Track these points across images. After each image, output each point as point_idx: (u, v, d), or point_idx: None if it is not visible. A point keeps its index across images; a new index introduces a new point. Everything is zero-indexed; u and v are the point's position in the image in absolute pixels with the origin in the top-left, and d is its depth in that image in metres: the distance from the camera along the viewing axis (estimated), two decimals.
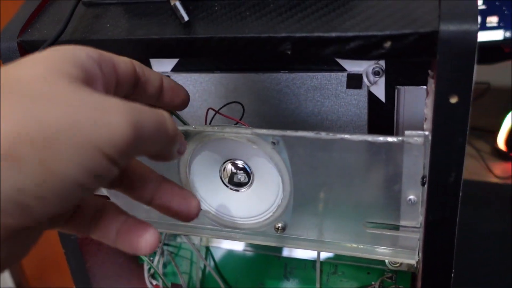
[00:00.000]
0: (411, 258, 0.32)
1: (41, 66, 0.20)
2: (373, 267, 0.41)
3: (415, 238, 0.32)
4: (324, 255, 0.42)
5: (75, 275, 0.43)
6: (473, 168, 0.78)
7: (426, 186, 0.29)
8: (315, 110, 0.38)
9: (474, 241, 0.60)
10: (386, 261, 0.39)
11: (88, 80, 0.21)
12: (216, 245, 0.46)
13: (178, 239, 0.47)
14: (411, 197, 0.30)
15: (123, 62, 0.25)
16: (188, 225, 0.37)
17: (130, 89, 0.26)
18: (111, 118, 0.19)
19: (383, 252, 0.33)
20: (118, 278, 0.47)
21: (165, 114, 0.23)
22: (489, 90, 0.91)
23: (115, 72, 0.24)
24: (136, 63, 0.26)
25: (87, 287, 0.43)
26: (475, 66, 0.25)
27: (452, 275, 0.30)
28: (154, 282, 0.48)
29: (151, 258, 0.47)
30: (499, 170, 0.78)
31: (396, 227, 0.33)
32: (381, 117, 0.37)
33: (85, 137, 0.18)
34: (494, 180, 0.75)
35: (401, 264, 0.39)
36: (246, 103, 0.39)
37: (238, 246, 0.45)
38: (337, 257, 0.42)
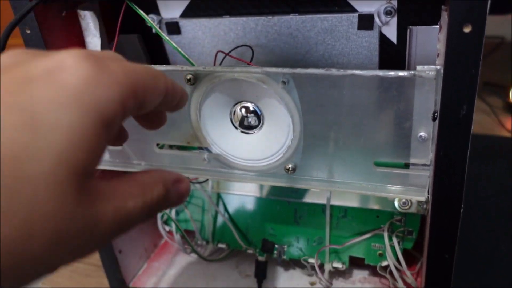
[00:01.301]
0: (421, 195, 0.32)
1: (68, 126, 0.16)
2: (382, 211, 0.42)
3: (425, 175, 0.32)
4: (333, 199, 0.43)
5: None
6: (485, 123, 0.78)
7: (437, 121, 0.28)
8: (326, 53, 0.38)
9: (485, 194, 0.60)
10: (395, 203, 0.40)
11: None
12: (227, 191, 0.47)
13: (190, 186, 0.48)
14: (422, 133, 0.30)
15: (157, 96, 0.22)
16: (200, 169, 0.38)
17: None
18: None
19: (392, 190, 0.33)
20: None
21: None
22: (503, 45, 0.89)
23: (140, 107, 0.21)
24: (169, 90, 0.23)
25: None
26: None
27: (462, 210, 0.30)
28: (167, 229, 0.49)
29: None
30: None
31: (406, 165, 0.33)
32: (393, 59, 0.36)
33: None
34: (506, 134, 0.75)
35: (410, 206, 0.39)
36: (256, 48, 0.39)
37: (248, 192, 0.46)
38: (346, 201, 0.42)
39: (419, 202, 0.39)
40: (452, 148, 0.29)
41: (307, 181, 0.35)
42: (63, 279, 0.55)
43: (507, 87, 0.81)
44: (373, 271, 0.47)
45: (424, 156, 0.31)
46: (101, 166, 0.41)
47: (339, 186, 0.34)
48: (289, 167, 0.35)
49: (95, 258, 0.58)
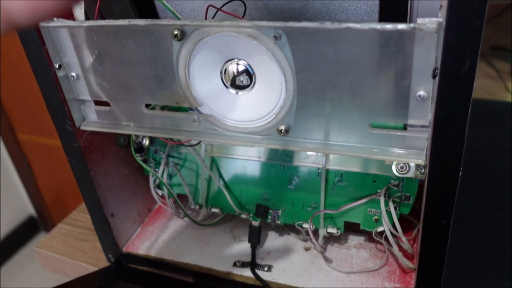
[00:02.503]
0: (419, 159, 0.31)
1: None
2: (379, 175, 0.40)
3: (423, 137, 0.30)
4: (329, 163, 0.41)
5: (80, 184, 0.44)
6: (491, 88, 0.75)
7: (437, 79, 0.27)
8: (323, 9, 0.36)
9: (488, 160, 0.59)
10: (393, 168, 0.38)
11: None
12: (220, 154, 0.45)
13: (183, 150, 0.47)
14: (421, 92, 0.28)
15: None
16: (191, 130, 0.37)
17: None
18: None
19: (389, 153, 0.32)
20: (123, 189, 0.48)
21: None
22: (511, 7, 0.86)
23: None
24: None
25: (93, 195, 0.44)
26: None
27: (460, 173, 0.29)
28: (160, 193, 0.48)
29: (156, 169, 0.47)
30: None
31: (404, 127, 0.31)
32: (394, 15, 0.34)
33: None
34: None
35: (407, 170, 0.38)
36: (249, 3, 0.37)
37: (242, 155, 0.45)
38: (342, 165, 0.41)
39: (417, 167, 0.37)
40: (452, 107, 0.27)
41: (300, 144, 0.34)
42: (58, 243, 0.54)
43: None
44: (369, 237, 0.46)
45: (422, 116, 0.29)
46: (89, 128, 0.40)
47: (334, 148, 0.33)
48: (282, 129, 0.33)
49: (90, 222, 0.57)
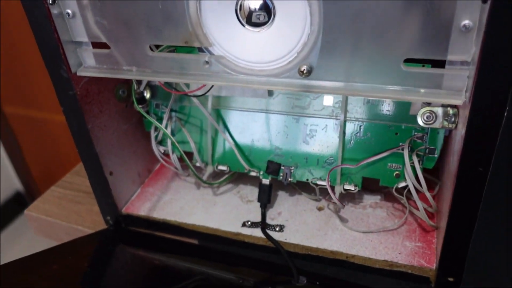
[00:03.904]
0: (457, 99, 0.28)
1: None
2: (401, 127, 0.37)
3: (464, 75, 0.27)
4: (348, 114, 0.38)
5: (76, 138, 0.40)
6: None
7: (488, 3, 0.24)
8: None
9: None
10: (418, 118, 0.36)
11: None
12: (228, 107, 0.42)
13: (186, 103, 0.43)
14: (466, 22, 0.25)
15: None
16: (201, 74, 0.33)
17: None
18: None
19: (423, 94, 0.29)
20: (122, 146, 0.44)
21: None
22: None
23: None
24: None
25: (91, 151, 0.40)
26: None
27: (505, 115, 0.26)
28: (162, 150, 0.45)
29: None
30: None
31: (442, 64, 0.28)
32: None
33: None
34: None
35: (434, 120, 0.35)
36: None
37: (252, 107, 0.41)
38: (362, 116, 0.38)
39: (445, 115, 0.35)
40: (503, 38, 0.24)
41: (324, 86, 0.31)
42: (51, 206, 0.51)
43: None
44: (386, 195, 0.44)
45: (465, 51, 0.26)
46: (86, 73, 0.36)
47: (361, 90, 0.30)
48: (304, 69, 0.30)
49: (85, 184, 0.54)
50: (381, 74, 0.29)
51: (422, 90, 0.29)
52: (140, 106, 0.42)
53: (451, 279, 0.35)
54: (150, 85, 0.44)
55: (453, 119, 0.34)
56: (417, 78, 0.29)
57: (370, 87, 0.30)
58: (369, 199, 0.44)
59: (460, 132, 0.31)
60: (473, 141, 0.28)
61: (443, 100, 0.28)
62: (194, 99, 0.41)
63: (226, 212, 0.44)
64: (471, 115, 0.27)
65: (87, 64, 0.36)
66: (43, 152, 1.42)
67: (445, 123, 0.35)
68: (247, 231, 0.41)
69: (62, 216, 0.49)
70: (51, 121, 1.23)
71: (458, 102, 0.28)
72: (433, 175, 0.41)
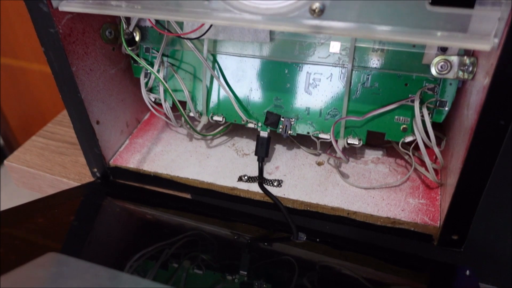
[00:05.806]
0: (485, 43, 0.25)
1: None
2: (412, 77, 0.35)
3: (494, 17, 0.25)
4: (355, 62, 0.36)
5: (59, 82, 0.37)
6: None
7: None
8: None
9: None
10: (432, 67, 0.33)
11: None
12: (225, 52, 0.39)
13: (179, 47, 0.40)
14: None
15: None
16: (199, 11, 0.30)
17: None
18: None
19: (447, 37, 0.26)
20: (109, 93, 0.41)
21: None
22: None
23: None
24: None
25: (75, 97, 0.37)
26: None
27: None
28: (153, 98, 0.42)
29: (149, 72, 0.40)
30: None
31: (470, 4, 0.25)
32: None
33: None
34: None
35: (449, 70, 0.33)
36: None
37: (250, 53, 0.38)
38: (370, 63, 0.36)
39: (460, 65, 0.32)
40: None
41: (337, 27, 0.28)
42: (32, 157, 0.48)
43: None
44: (388, 151, 0.42)
45: None
46: (69, 8, 0.32)
47: (379, 32, 0.27)
48: (316, 7, 0.27)
49: (69, 135, 0.51)
50: (402, 15, 0.26)
51: (444, 33, 0.26)
52: (130, 48, 0.38)
53: (455, 237, 0.34)
54: (139, 26, 0.40)
55: (470, 69, 0.32)
56: (441, 20, 0.26)
57: (387, 29, 0.27)
58: (371, 155, 0.42)
59: (481, 82, 0.28)
60: (498, 92, 0.26)
61: (468, 45, 0.26)
62: (188, 43, 0.38)
63: (221, 166, 0.41)
64: (499, 62, 0.25)
65: None
66: (22, 103, 1.36)
67: (460, 73, 0.33)
68: (243, 185, 0.39)
69: (45, 168, 0.46)
70: (29, 70, 1.17)
71: (485, 47, 0.25)
72: (437, 130, 0.39)
